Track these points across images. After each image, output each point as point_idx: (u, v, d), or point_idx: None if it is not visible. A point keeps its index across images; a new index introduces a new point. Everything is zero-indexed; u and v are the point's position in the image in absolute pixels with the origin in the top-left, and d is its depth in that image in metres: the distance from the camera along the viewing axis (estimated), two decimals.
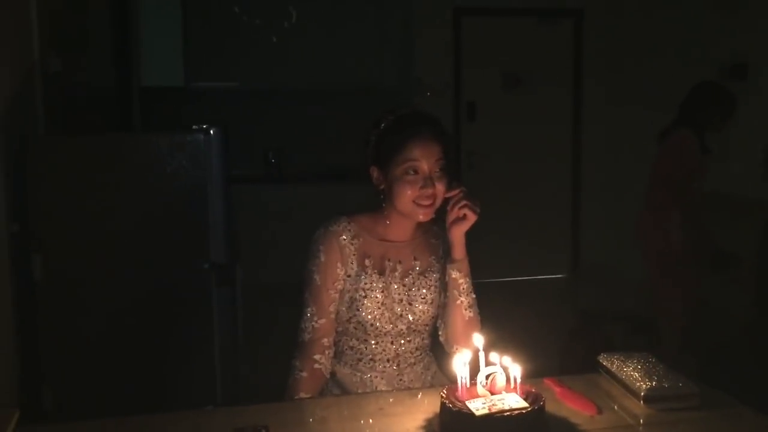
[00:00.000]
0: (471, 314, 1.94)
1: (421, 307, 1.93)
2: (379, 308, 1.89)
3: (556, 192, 6.38)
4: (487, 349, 1.58)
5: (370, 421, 1.65)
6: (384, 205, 1.92)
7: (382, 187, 1.90)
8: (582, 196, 6.40)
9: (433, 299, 1.95)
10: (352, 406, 1.75)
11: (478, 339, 1.59)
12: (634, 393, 1.67)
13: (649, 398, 1.63)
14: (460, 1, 6.02)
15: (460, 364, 1.54)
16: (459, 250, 1.92)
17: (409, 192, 1.83)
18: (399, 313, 1.92)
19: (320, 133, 6.23)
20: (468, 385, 1.54)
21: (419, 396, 1.77)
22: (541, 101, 6.24)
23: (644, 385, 1.65)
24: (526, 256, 6.27)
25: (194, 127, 2.63)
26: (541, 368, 2.78)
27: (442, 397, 1.53)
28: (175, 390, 2.56)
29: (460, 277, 1.92)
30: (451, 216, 1.89)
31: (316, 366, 1.89)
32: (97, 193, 2.52)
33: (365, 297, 1.89)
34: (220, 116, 5.77)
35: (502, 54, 6.14)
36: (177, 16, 5.80)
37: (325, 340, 1.91)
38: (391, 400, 1.78)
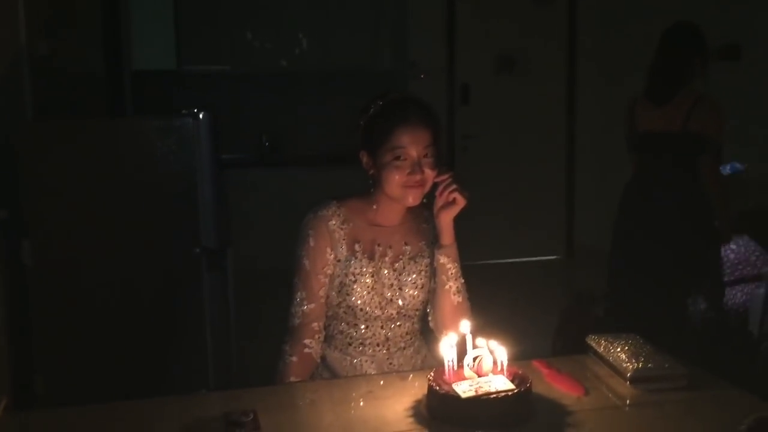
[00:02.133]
0: (459, 299, 1.94)
1: (411, 291, 1.93)
2: (369, 293, 1.89)
3: (551, 174, 6.37)
4: (475, 332, 1.59)
5: (359, 403, 1.66)
6: (373, 189, 1.92)
7: (371, 171, 1.90)
8: (576, 178, 6.40)
9: (423, 284, 1.95)
10: (341, 390, 1.76)
11: (465, 326, 1.59)
12: (621, 374, 1.68)
13: (636, 379, 1.64)
14: None
15: (447, 347, 1.55)
16: (447, 235, 1.92)
17: (397, 178, 1.83)
18: (389, 298, 1.91)
19: (314, 117, 6.21)
20: (455, 368, 1.55)
21: (408, 379, 1.78)
22: (535, 83, 6.21)
23: (631, 366, 1.66)
24: (521, 237, 6.27)
25: (184, 111, 2.61)
26: (534, 349, 2.78)
27: (429, 379, 1.54)
28: (167, 375, 2.57)
29: (448, 262, 1.92)
30: (440, 201, 1.88)
31: (306, 350, 1.89)
32: (86, 178, 2.51)
33: (355, 282, 1.89)
34: (214, 100, 5.75)
35: (496, 36, 6.10)
36: None
37: (315, 324, 1.91)
38: (381, 383, 1.78)
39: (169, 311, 2.59)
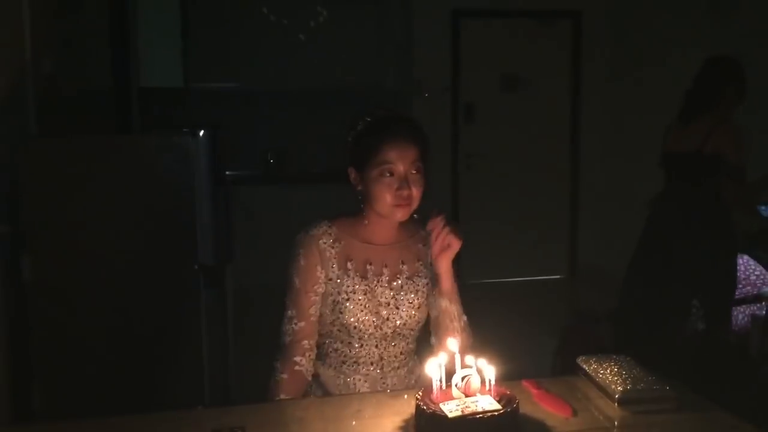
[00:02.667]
0: (464, 335, 1.94)
1: (408, 311, 1.93)
2: (362, 311, 1.89)
3: (554, 193, 6.38)
4: (464, 351, 1.59)
5: (349, 422, 1.66)
6: (363, 206, 1.93)
7: (359, 188, 1.91)
8: (580, 197, 6.40)
9: (420, 304, 1.95)
10: (331, 408, 1.75)
11: (453, 344, 1.59)
12: (609, 395, 1.67)
13: (624, 400, 1.64)
14: (459, 3, 6.02)
15: (434, 366, 1.55)
16: (447, 279, 1.91)
17: (385, 194, 1.84)
18: (385, 317, 1.91)
19: (319, 134, 6.24)
20: (444, 388, 1.55)
21: (398, 398, 1.77)
22: (539, 103, 6.24)
23: (619, 388, 1.66)
24: (524, 257, 6.28)
25: (184, 129, 2.64)
26: (536, 368, 2.77)
27: (417, 399, 1.54)
28: (164, 391, 2.57)
29: (450, 306, 1.92)
30: (436, 247, 1.88)
31: (297, 368, 1.90)
32: (86, 195, 2.54)
33: (348, 300, 1.89)
34: (221, 117, 5.79)
35: (500, 55, 6.14)
36: (176, 15, 5.82)
37: (306, 342, 1.91)
38: (371, 401, 1.78)
39: (166, 327, 2.60)
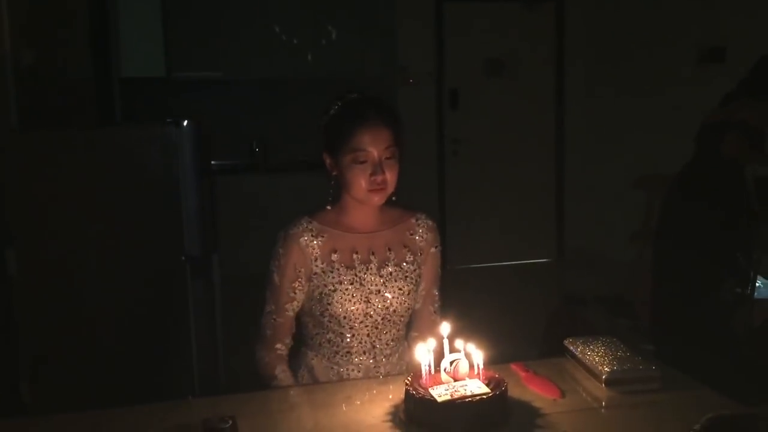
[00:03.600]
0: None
1: (398, 298, 1.93)
2: (350, 301, 1.88)
3: (541, 177, 6.40)
4: (453, 336, 1.60)
5: (339, 409, 1.67)
6: (340, 191, 1.93)
7: (334, 173, 1.91)
8: (566, 180, 6.42)
9: (410, 290, 1.95)
10: (321, 395, 1.77)
11: (445, 328, 1.60)
12: (596, 376, 1.69)
13: (611, 381, 1.66)
14: None
15: (423, 351, 1.56)
16: None
17: (360, 180, 1.84)
18: (375, 304, 1.91)
19: (305, 123, 6.17)
20: (432, 372, 1.56)
21: (388, 384, 1.78)
22: (523, 86, 6.25)
23: (606, 369, 1.68)
24: (512, 241, 6.30)
25: (168, 120, 2.62)
26: (524, 351, 2.79)
27: (406, 384, 1.55)
28: (153, 382, 2.57)
29: None
30: None
31: (278, 352, 1.96)
32: (70, 187, 2.52)
33: (335, 291, 1.88)
34: (204, 106, 5.77)
35: (484, 40, 6.13)
36: (156, 4, 5.76)
37: (286, 338, 1.97)
38: (360, 388, 1.79)
39: (154, 318, 2.60)
